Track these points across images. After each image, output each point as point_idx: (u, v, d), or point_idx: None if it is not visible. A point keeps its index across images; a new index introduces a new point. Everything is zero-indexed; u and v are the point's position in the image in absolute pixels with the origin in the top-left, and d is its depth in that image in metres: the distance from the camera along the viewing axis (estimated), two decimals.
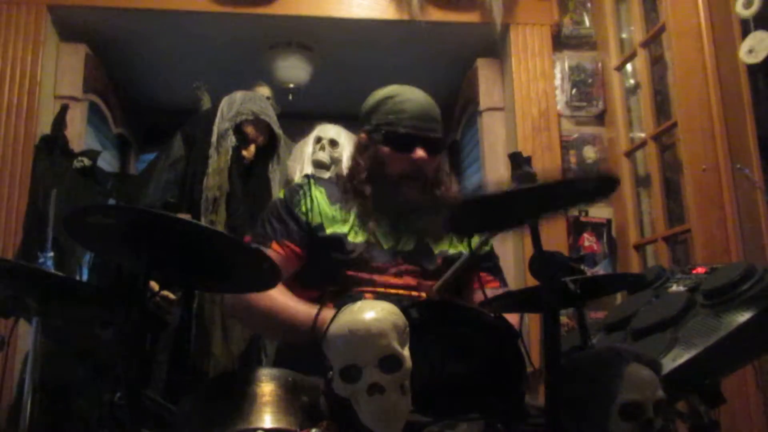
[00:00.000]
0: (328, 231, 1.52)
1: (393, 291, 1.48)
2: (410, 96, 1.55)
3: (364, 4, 3.00)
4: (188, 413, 1.11)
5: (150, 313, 2.08)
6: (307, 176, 1.68)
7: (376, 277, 1.49)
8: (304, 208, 1.54)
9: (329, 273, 1.49)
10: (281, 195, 1.62)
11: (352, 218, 1.54)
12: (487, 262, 1.64)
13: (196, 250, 1.09)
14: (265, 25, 3.11)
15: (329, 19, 3.02)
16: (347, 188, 1.58)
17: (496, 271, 1.66)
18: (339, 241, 1.50)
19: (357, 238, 1.51)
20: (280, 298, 1.43)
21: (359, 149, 1.61)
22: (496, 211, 1.07)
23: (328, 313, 1.32)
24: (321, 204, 1.55)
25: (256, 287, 1.40)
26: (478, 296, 1.58)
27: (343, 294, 1.46)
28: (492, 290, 1.59)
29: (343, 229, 1.52)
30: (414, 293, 1.49)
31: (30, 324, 1.54)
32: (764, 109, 2.06)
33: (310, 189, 1.58)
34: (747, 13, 2.02)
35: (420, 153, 1.51)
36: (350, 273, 1.48)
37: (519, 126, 2.93)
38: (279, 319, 1.42)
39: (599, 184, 1.06)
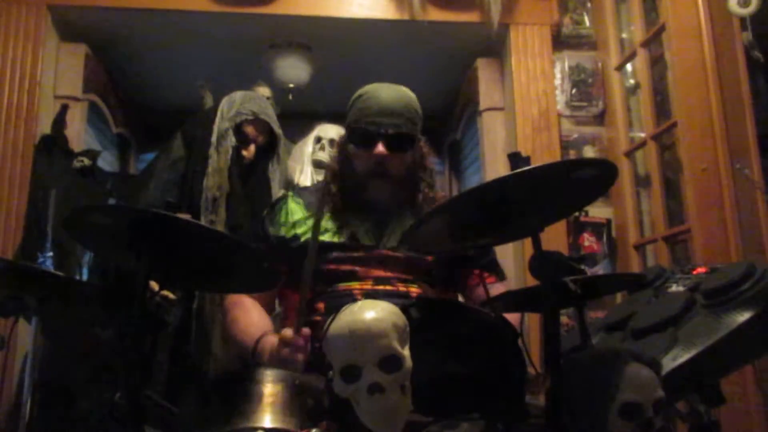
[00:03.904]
0: (302, 240, 1.55)
1: (381, 287, 1.48)
2: (377, 93, 1.53)
3: (364, 4, 3.00)
4: (189, 413, 1.11)
5: (150, 313, 2.08)
6: (286, 189, 1.71)
7: (359, 269, 1.50)
8: (277, 224, 1.60)
9: (314, 272, 1.50)
10: (264, 213, 1.68)
11: (327, 221, 1.56)
12: (483, 258, 1.64)
13: (196, 250, 1.09)
14: (265, 25, 3.11)
15: (329, 19, 3.02)
16: (329, 190, 1.60)
17: (494, 266, 1.66)
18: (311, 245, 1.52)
19: (335, 239, 1.53)
20: (240, 313, 1.54)
21: (337, 150, 1.66)
22: (495, 210, 1.06)
23: (267, 341, 1.40)
24: (297, 215, 1.60)
25: (256, 287, 1.40)
26: (477, 293, 1.58)
27: (332, 292, 1.48)
28: (490, 286, 1.59)
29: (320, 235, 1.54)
30: (402, 288, 1.49)
31: (30, 324, 1.55)
32: (764, 109, 2.06)
33: (287, 203, 1.63)
34: (744, 11, 2.02)
35: (380, 149, 1.49)
36: (332, 267, 1.50)
37: (519, 126, 2.93)
38: (234, 337, 1.54)
39: (595, 170, 1.06)
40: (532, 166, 1.00)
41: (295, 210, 1.61)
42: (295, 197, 1.65)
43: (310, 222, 1.57)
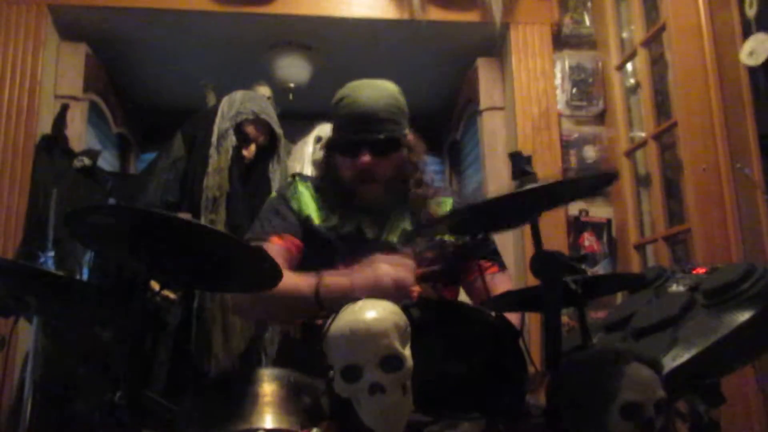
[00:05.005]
0: (316, 222, 1.55)
1: None
2: (357, 97, 1.50)
3: (364, 4, 3.01)
4: (189, 413, 1.11)
5: (150, 313, 2.08)
6: (293, 175, 1.71)
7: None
8: (295, 203, 1.58)
9: (320, 264, 1.49)
10: (274, 194, 1.67)
11: (329, 214, 1.56)
12: (484, 249, 1.63)
13: (196, 250, 1.09)
14: (265, 25, 3.11)
15: (329, 19, 3.02)
16: (324, 187, 1.60)
17: (495, 256, 1.65)
18: (324, 232, 1.53)
19: (341, 230, 1.53)
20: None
21: (325, 151, 1.64)
22: (496, 213, 1.07)
23: (328, 277, 1.34)
24: (308, 198, 1.59)
25: (256, 287, 1.40)
26: (480, 284, 1.58)
27: None
28: (492, 275, 1.59)
29: (329, 222, 1.54)
30: None
31: (30, 324, 1.55)
32: (764, 109, 2.06)
33: (296, 185, 1.62)
34: (749, 13, 2.03)
35: (365, 158, 1.48)
36: (338, 263, 1.48)
37: (519, 126, 2.93)
38: (283, 295, 1.33)
39: (599, 181, 1.06)
40: (536, 184, 0.99)
41: (304, 192, 1.60)
42: (302, 181, 1.64)
43: (319, 208, 1.56)
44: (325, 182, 1.60)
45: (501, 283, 1.58)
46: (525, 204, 1.06)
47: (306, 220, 1.55)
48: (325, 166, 1.62)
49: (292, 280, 1.36)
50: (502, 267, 1.66)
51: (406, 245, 1.52)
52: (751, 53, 2.00)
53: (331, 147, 1.59)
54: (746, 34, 2.09)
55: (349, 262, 1.48)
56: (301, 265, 1.54)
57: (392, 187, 1.56)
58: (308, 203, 1.58)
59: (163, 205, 2.33)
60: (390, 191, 1.56)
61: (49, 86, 2.88)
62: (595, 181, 1.06)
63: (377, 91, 1.52)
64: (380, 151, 1.50)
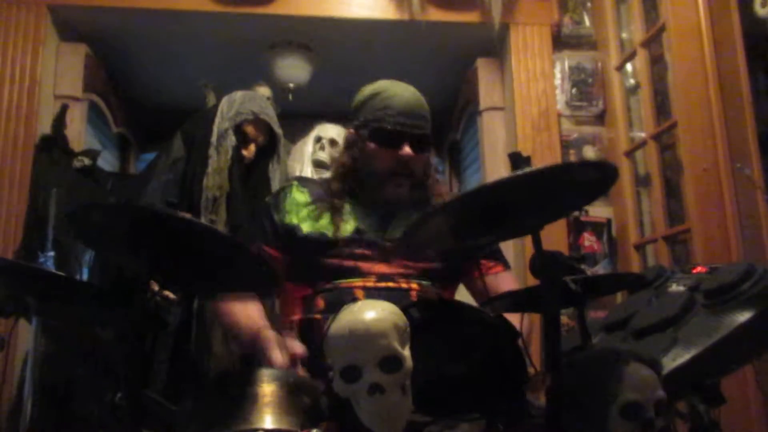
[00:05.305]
0: (305, 230, 1.53)
1: (383, 284, 1.47)
2: (398, 92, 1.54)
3: (364, 4, 3.01)
4: (189, 413, 1.11)
5: (150, 313, 2.08)
6: (295, 178, 1.71)
7: (362, 264, 1.49)
8: (278, 212, 1.58)
9: (316, 267, 1.50)
10: (267, 200, 1.67)
11: (329, 216, 1.54)
12: (488, 247, 1.62)
13: (197, 250, 1.09)
14: (265, 25, 3.11)
15: (329, 19, 3.03)
16: (334, 185, 1.59)
17: (497, 255, 1.64)
18: (317, 238, 1.52)
19: (339, 232, 1.52)
20: (237, 305, 1.50)
21: (347, 145, 1.62)
22: (495, 212, 1.06)
23: (266, 336, 1.33)
24: (301, 205, 1.58)
25: (255, 288, 1.40)
26: (482, 283, 1.58)
27: (333, 290, 1.47)
28: (495, 275, 1.59)
29: (323, 226, 1.53)
30: (404, 284, 1.48)
31: (30, 324, 1.55)
32: (764, 109, 2.06)
33: (291, 191, 1.61)
34: (764, 11, 2.02)
35: (407, 150, 1.50)
36: (335, 261, 1.48)
37: (519, 126, 2.93)
38: (227, 324, 1.53)
39: (596, 172, 1.06)
40: (531, 168, 0.99)
41: (300, 198, 1.59)
42: (300, 186, 1.63)
43: (315, 213, 1.55)
44: (343, 177, 1.59)
45: (505, 282, 1.58)
46: (524, 204, 1.06)
47: (294, 229, 1.54)
48: (352, 157, 1.58)
49: (242, 319, 1.48)
50: (507, 266, 1.65)
51: (404, 246, 1.52)
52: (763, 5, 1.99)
53: (365, 137, 1.55)
54: (747, 34, 2.09)
55: (343, 259, 1.48)
56: (296, 266, 1.54)
57: (416, 186, 1.57)
58: (299, 210, 1.57)
59: (163, 206, 2.33)
60: (414, 189, 1.57)
61: (49, 86, 2.88)
62: (590, 172, 1.05)
63: (411, 89, 1.57)
64: (419, 146, 1.53)
